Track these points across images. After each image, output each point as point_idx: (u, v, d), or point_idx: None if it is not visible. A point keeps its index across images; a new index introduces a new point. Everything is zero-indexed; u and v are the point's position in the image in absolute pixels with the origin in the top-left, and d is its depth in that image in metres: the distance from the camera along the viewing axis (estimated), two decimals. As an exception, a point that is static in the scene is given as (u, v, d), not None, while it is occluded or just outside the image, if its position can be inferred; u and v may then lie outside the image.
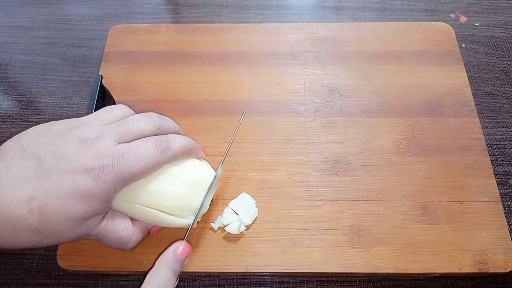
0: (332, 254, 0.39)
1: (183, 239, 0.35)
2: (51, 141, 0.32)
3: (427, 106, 0.48)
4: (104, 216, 0.34)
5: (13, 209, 0.29)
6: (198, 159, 0.38)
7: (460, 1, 0.60)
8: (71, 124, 0.34)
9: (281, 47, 0.53)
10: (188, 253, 0.34)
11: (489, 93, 0.51)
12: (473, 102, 0.48)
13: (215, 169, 0.39)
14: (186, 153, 0.36)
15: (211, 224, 0.40)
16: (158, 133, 0.35)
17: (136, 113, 0.37)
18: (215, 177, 0.38)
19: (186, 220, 0.36)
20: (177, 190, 0.35)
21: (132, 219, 0.36)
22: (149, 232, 0.37)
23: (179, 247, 0.33)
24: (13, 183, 0.29)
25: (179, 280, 0.40)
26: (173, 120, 0.39)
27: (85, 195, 0.30)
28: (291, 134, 0.46)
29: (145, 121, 0.35)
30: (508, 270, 0.38)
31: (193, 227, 0.40)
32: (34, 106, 0.52)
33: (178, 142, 0.35)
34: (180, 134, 0.38)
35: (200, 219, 0.40)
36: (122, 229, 0.34)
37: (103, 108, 0.36)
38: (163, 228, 0.39)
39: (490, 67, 0.54)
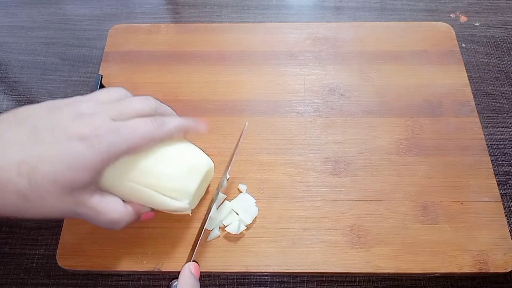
0: (332, 254, 0.39)
1: (191, 258, 0.35)
2: (47, 114, 0.32)
3: (427, 106, 0.48)
4: (94, 194, 0.33)
5: (2, 171, 0.29)
6: (196, 146, 0.39)
7: (460, 1, 0.60)
8: (68, 101, 0.34)
9: (281, 47, 0.53)
10: (199, 271, 0.34)
11: (489, 93, 0.51)
12: (473, 102, 0.48)
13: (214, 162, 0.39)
14: (182, 131, 0.36)
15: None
16: (154, 114, 0.36)
17: None
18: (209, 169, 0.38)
19: (180, 203, 0.35)
20: (174, 172, 0.35)
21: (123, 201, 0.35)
22: (140, 217, 0.37)
23: (191, 266, 0.34)
24: (5, 148, 0.29)
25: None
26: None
27: (76, 162, 0.30)
28: (291, 134, 0.46)
29: (142, 102, 0.35)
30: (508, 270, 0.38)
31: (189, 214, 0.40)
32: (34, 106, 0.52)
33: (174, 121, 0.35)
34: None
35: (194, 207, 0.40)
36: (112, 209, 0.33)
37: (101, 89, 0.36)
38: (155, 214, 0.38)
39: (490, 67, 0.54)
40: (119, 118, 0.33)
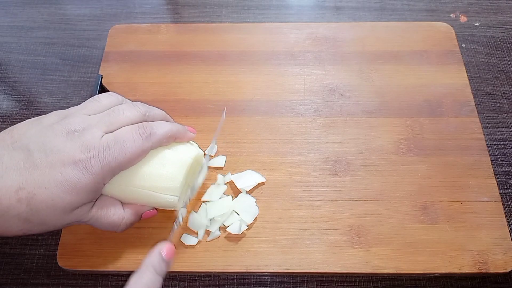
0: (332, 254, 0.39)
1: (168, 239, 0.35)
2: (40, 132, 0.32)
3: (427, 106, 0.48)
4: (94, 203, 0.34)
5: (2, 198, 0.29)
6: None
7: (460, 1, 0.60)
8: (60, 116, 0.34)
9: (281, 47, 0.53)
10: (173, 254, 0.33)
11: (489, 93, 0.51)
12: (473, 102, 0.48)
13: (204, 151, 0.40)
14: (171, 138, 0.37)
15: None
16: (145, 119, 0.36)
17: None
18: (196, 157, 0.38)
19: (177, 198, 0.36)
20: (167, 171, 0.35)
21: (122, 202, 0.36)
22: (140, 216, 0.37)
23: (164, 249, 0.33)
24: (2, 173, 0.30)
25: (179, 280, 0.41)
26: (174, 119, 0.39)
27: (73, 186, 0.31)
28: (291, 134, 0.46)
29: (131, 109, 0.35)
30: (508, 270, 0.38)
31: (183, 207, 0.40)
32: (34, 106, 0.52)
33: (162, 128, 0.36)
34: (167, 120, 0.39)
35: (188, 202, 0.40)
36: (112, 214, 0.35)
37: (91, 98, 0.37)
38: (157, 213, 0.38)
39: (490, 67, 0.53)
40: (109, 129, 0.34)
